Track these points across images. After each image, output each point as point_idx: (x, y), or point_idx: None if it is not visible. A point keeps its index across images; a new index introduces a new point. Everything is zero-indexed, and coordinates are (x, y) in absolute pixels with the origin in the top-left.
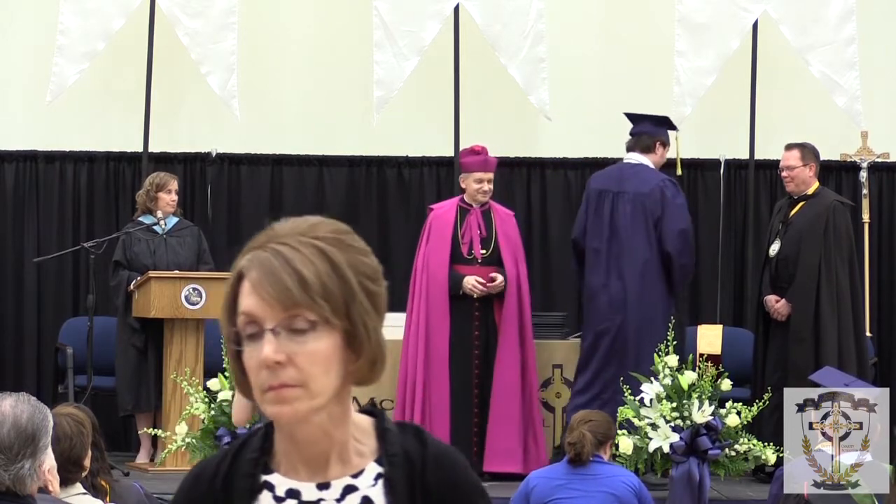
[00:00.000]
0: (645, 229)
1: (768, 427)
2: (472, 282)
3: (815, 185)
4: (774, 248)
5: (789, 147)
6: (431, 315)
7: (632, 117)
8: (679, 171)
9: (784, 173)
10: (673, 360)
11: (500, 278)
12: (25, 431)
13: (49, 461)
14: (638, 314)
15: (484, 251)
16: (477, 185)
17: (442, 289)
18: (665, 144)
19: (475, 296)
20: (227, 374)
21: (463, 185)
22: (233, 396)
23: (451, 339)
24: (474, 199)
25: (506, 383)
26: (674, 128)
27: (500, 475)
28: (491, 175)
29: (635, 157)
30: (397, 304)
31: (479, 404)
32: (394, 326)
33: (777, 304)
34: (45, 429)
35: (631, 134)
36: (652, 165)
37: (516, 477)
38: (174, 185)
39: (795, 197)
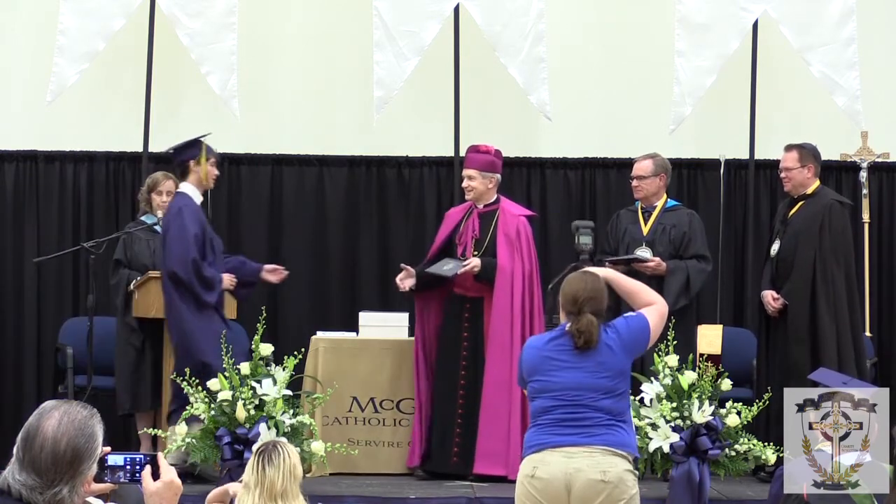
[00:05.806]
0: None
1: (775, 430)
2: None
3: (815, 184)
4: (775, 247)
5: (788, 148)
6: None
7: None
8: None
9: (782, 174)
10: (673, 359)
11: (474, 261)
12: (64, 458)
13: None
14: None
15: (476, 252)
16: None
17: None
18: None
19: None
20: (226, 374)
21: None
22: (232, 397)
23: (441, 338)
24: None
25: (493, 383)
26: None
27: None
28: (470, 172)
29: None
30: (398, 304)
31: (467, 405)
32: (396, 326)
33: (775, 302)
34: (90, 451)
35: None
36: None
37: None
38: (166, 185)
39: (795, 197)
